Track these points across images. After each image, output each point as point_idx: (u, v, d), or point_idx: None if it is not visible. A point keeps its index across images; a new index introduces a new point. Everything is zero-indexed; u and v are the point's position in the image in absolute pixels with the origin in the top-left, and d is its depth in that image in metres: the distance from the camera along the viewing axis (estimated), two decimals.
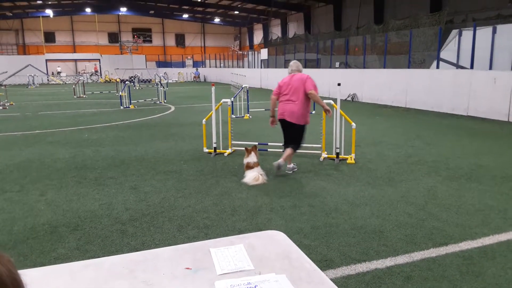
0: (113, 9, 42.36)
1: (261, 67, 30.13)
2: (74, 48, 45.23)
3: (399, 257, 3.17)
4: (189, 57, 47.00)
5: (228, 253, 1.49)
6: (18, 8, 38.61)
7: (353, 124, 6.27)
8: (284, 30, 37.13)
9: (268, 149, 7.13)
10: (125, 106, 14.89)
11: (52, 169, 6.08)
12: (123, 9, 41.48)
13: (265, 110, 12.80)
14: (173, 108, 14.63)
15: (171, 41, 50.05)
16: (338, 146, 6.38)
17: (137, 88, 26.55)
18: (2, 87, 19.01)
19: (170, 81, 34.78)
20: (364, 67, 17.52)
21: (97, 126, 10.36)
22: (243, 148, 5.95)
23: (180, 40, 50.42)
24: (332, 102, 6.38)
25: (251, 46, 45.10)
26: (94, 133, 9.33)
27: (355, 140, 6.46)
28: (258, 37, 45.21)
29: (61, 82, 37.51)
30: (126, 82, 16.07)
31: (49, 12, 39.98)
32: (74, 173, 5.81)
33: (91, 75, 40.44)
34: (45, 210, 4.33)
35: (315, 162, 6.38)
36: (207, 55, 45.55)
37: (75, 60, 43.45)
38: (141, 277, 1.34)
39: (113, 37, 47.03)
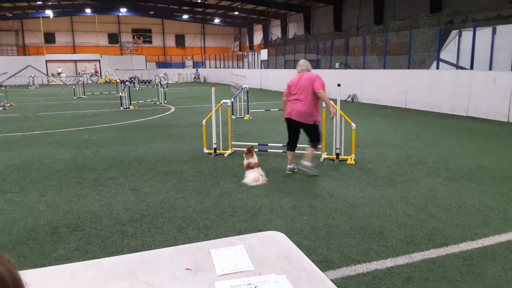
0: (113, 10, 42.39)
1: (261, 68, 30.15)
2: (74, 49, 45.25)
3: (399, 258, 3.17)
4: (189, 58, 47.05)
5: (228, 253, 1.49)
6: (18, 8, 38.63)
7: (353, 124, 6.27)
8: (284, 31, 37.14)
9: (268, 150, 7.14)
10: (125, 107, 14.90)
11: (52, 169, 6.08)
12: (123, 10, 41.51)
13: (265, 110, 12.81)
14: (173, 109, 14.64)
15: (171, 42, 50.08)
16: (338, 146, 6.38)
17: (137, 88, 26.56)
18: (2, 88, 19.03)
19: (170, 81, 34.79)
20: (364, 68, 17.53)
21: (97, 127, 10.37)
22: (244, 149, 5.96)
23: (180, 40, 50.45)
24: (332, 103, 6.38)
25: (251, 47, 45.12)
26: (94, 133, 9.33)
27: (355, 140, 6.46)
28: (258, 37, 45.24)
29: (61, 83, 37.52)
30: (126, 83, 16.08)
31: (49, 12, 39.99)
32: (74, 174, 5.81)
33: (91, 76, 40.47)
34: (45, 211, 4.33)
35: (315, 163, 6.38)
36: (207, 56, 45.59)
37: (75, 61, 43.50)
38: (141, 278, 1.34)
39: (113, 38, 47.06)
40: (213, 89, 7.05)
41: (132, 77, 32.88)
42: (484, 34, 12.74)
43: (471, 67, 12.09)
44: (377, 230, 3.71)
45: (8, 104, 16.44)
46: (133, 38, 46.46)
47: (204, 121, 7.08)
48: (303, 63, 5.83)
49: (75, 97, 20.20)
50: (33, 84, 31.89)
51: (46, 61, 38.96)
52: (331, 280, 1.33)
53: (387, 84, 15.16)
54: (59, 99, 20.19)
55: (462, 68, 13.44)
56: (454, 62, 14.24)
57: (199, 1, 37.85)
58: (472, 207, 4.31)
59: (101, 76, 40.90)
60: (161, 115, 12.89)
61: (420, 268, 3.01)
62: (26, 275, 0.83)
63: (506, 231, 3.66)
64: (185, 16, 46.18)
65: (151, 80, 35.61)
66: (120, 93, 15.46)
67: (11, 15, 39.87)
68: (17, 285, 0.77)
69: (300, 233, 3.67)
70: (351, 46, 19.50)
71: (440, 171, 5.76)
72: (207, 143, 7.18)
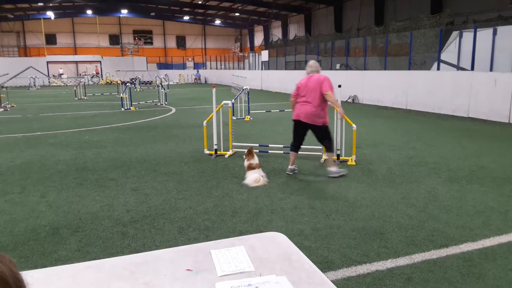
0: (114, 11, 42.47)
1: (261, 69, 30.16)
2: (75, 50, 45.32)
3: (400, 259, 3.17)
4: (190, 59, 47.11)
5: (229, 254, 1.49)
6: (19, 10, 38.74)
7: (354, 125, 6.27)
8: (285, 32, 37.18)
9: (269, 151, 7.14)
10: (126, 108, 14.92)
11: (53, 170, 6.09)
12: (124, 11, 41.59)
13: (266, 111, 12.82)
14: (174, 110, 14.65)
15: (172, 43, 50.15)
16: (339, 147, 6.38)
17: (138, 90, 26.58)
18: (3, 89, 19.05)
19: (171, 83, 34.83)
20: (364, 69, 17.53)
21: (98, 128, 10.38)
22: (244, 150, 5.96)
23: (181, 42, 50.51)
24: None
25: (252, 48, 45.17)
26: (95, 135, 9.34)
27: (356, 141, 6.46)
28: (258, 39, 45.29)
29: (62, 84, 37.58)
30: (127, 84, 16.10)
31: (50, 14, 40.08)
32: (75, 175, 5.82)
33: (92, 77, 40.53)
34: (46, 211, 4.34)
35: (316, 164, 6.39)
36: (207, 57, 45.63)
37: (76, 62, 43.58)
38: (142, 278, 1.34)
39: (114, 39, 47.13)
40: (214, 90, 7.06)
41: (133, 78, 32.92)
42: (484, 35, 12.74)
43: (472, 68, 12.08)
44: (378, 231, 3.71)
45: (9, 105, 16.48)
46: (134, 39, 46.51)
47: (205, 122, 7.09)
48: (313, 63, 5.79)
49: (76, 98, 20.23)
50: (34, 85, 31.96)
51: (47, 62, 39.02)
52: (332, 281, 1.33)
53: (388, 85, 15.16)
54: (60, 100, 20.22)
55: (462, 69, 13.44)
56: (455, 63, 14.25)
57: (200, 2, 37.91)
58: (472, 208, 4.30)
59: (102, 77, 40.95)
60: (162, 116, 12.90)
61: (421, 269, 3.01)
62: (28, 276, 0.84)
63: (507, 232, 3.66)
64: (186, 18, 46.25)
65: (152, 81, 35.66)
66: (121, 94, 15.48)
67: (12, 16, 39.96)
68: (19, 286, 0.78)
69: (301, 234, 3.68)
70: (352, 47, 19.51)
71: (441, 172, 5.76)
72: (208, 144, 7.19)
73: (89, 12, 41.38)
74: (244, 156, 5.68)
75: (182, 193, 4.91)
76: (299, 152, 5.91)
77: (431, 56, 14.51)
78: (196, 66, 45.72)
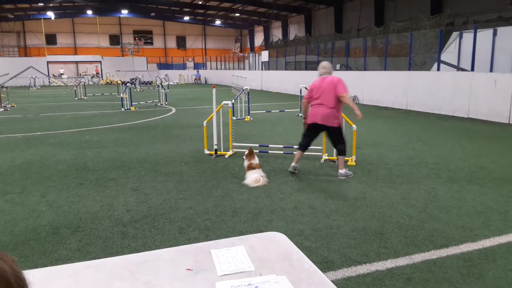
0: (114, 11, 42.50)
1: (262, 69, 30.17)
2: (75, 50, 45.34)
3: (400, 259, 3.17)
4: (190, 59, 47.13)
5: (229, 254, 1.50)
6: (19, 10, 38.76)
7: (354, 126, 6.27)
8: (285, 32, 37.20)
9: (269, 151, 7.14)
10: (126, 108, 14.92)
11: (53, 170, 6.09)
12: (124, 11, 41.61)
13: (266, 112, 12.82)
14: (174, 110, 14.66)
15: (172, 43, 50.17)
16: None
17: (138, 90, 26.58)
18: (4, 89, 19.06)
19: (171, 83, 34.83)
20: (365, 69, 17.54)
21: (98, 128, 10.38)
22: (244, 150, 5.97)
23: (181, 42, 50.53)
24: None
25: (252, 48, 45.19)
26: (95, 135, 9.34)
27: (356, 142, 6.47)
28: (259, 39, 45.31)
29: (62, 84, 37.59)
30: (127, 84, 16.11)
31: (50, 14, 40.11)
32: (75, 175, 5.82)
33: (92, 77, 40.53)
34: (46, 211, 4.34)
35: (316, 164, 6.39)
36: (208, 57, 45.65)
37: (76, 62, 43.58)
38: (142, 278, 1.35)
39: (114, 39, 47.15)
40: (214, 90, 7.06)
41: (133, 79, 32.93)
42: (485, 35, 12.74)
43: (472, 69, 12.09)
44: (378, 231, 3.71)
45: (10, 105, 16.48)
46: (134, 39, 46.56)
47: (205, 122, 7.09)
48: (326, 65, 5.73)
49: (76, 98, 20.24)
50: (34, 85, 31.95)
51: (47, 62, 39.03)
52: (332, 281, 1.34)
53: (388, 85, 15.16)
54: (60, 100, 20.23)
55: (463, 69, 13.45)
56: (455, 63, 14.26)
57: (200, 2, 37.93)
58: (472, 208, 4.31)
59: (102, 77, 40.96)
60: (162, 116, 12.90)
61: (421, 269, 3.01)
62: (28, 275, 0.84)
63: (507, 233, 3.66)
64: (186, 18, 46.27)
65: (152, 82, 35.67)
66: (121, 94, 15.48)
67: (12, 16, 39.99)
68: (21, 285, 0.78)
69: (301, 234, 3.68)
70: (352, 47, 19.52)
71: (441, 172, 5.76)
72: (208, 144, 7.19)
73: (89, 12, 41.40)
74: (244, 157, 5.69)
75: (182, 193, 4.91)
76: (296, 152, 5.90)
77: (431, 56, 14.52)
78: (196, 66, 45.75)
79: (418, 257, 3.20)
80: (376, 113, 13.29)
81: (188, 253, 1.52)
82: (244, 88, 12.81)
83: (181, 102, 18.20)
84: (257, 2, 34.10)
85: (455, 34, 14.83)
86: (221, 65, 40.53)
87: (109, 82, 38.63)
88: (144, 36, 48.03)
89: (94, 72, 41.71)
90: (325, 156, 6.61)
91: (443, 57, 14.14)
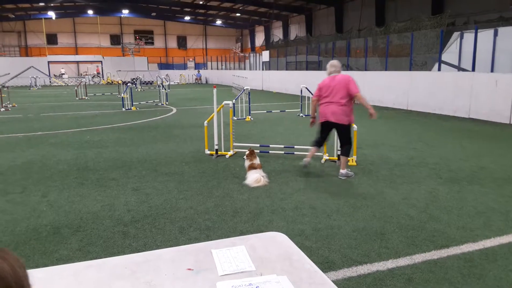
0: (115, 11, 42.53)
1: (262, 69, 30.17)
2: (76, 50, 45.39)
3: (401, 259, 3.17)
4: (190, 59, 47.15)
5: (230, 254, 1.50)
6: (20, 10, 38.80)
7: (355, 126, 6.27)
8: (286, 32, 37.21)
9: (270, 151, 7.14)
10: (127, 108, 14.93)
11: (54, 170, 6.10)
12: (125, 11, 41.64)
13: (266, 112, 12.82)
14: (174, 110, 14.66)
15: (173, 43, 50.19)
16: (339, 148, 6.37)
17: (139, 90, 26.61)
18: (5, 89, 19.08)
19: (171, 83, 34.85)
20: (365, 69, 17.53)
21: (99, 128, 10.39)
22: (245, 150, 5.96)
23: (182, 42, 50.55)
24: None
25: (253, 48, 45.20)
26: (96, 134, 9.35)
27: (357, 142, 6.46)
28: (259, 39, 45.31)
29: (63, 84, 37.62)
30: (128, 84, 16.11)
31: (51, 14, 40.16)
32: (76, 175, 5.82)
33: (93, 77, 40.56)
34: (47, 211, 4.35)
35: (317, 164, 6.39)
36: (208, 57, 45.66)
37: (77, 62, 43.61)
38: (143, 278, 1.35)
39: (115, 39, 47.18)
40: (214, 90, 7.07)
41: (134, 78, 32.96)
42: (485, 36, 12.73)
43: (473, 69, 12.08)
44: (379, 232, 3.71)
45: (11, 105, 16.50)
46: (135, 39, 46.58)
47: (205, 122, 7.09)
48: (336, 63, 5.72)
49: (77, 98, 20.25)
50: (35, 85, 31.99)
51: (48, 62, 39.08)
52: (332, 281, 1.34)
53: (389, 85, 15.15)
54: (61, 100, 20.24)
55: (463, 70, 13.44)
56: (456, 64, 14.24)
57: (201, 3, 37.94)
58: (473, 208, 4.30)
59: (103, 77, 40.99)
60: (162, 116, 12.91)
61: (421, 270, 3.01)
62: (29, 275, 0.83)
63: (508, 233, 3.66)
64: (187, 18, 46.29)
65: (152, 82, 35.69)
66: (122, 94, 15.49)
67: (13, 16, 40.03)
68: (21, 286, 0.76)
69: (302, 234, 3.68)
70: (353, 47, 19.52)
71: (442, 172, 5.76)
72: (208, 144, 7.19)
73: (90, 12, 41.44)
74: (244, 157, 5.69)
75: (183, 193, 4.92)
76: (300, 153, 5.91)
77: (432, 57, 14.51)
78: (197, 66, 45.76)
79: (419, 257, 3.20)
80: (376, 113, 13.26)
81: (189, 253, 1.52)
82: (244, 88, 12.81)
83: (182, 102, 18.21)
84: (258, 2, 34.12)
85: (456, 34, 14.82)
86: (221, 65, 40.54)
87: (110, 82, 38.66)
88: (145, 36, 48.06)
89: (95, 72, 41.74)
90: (325, 156, 6.61)
91: (444, 57, 14.13)
